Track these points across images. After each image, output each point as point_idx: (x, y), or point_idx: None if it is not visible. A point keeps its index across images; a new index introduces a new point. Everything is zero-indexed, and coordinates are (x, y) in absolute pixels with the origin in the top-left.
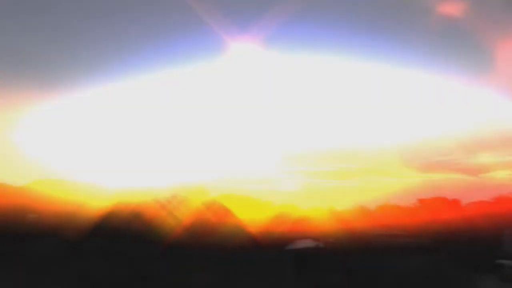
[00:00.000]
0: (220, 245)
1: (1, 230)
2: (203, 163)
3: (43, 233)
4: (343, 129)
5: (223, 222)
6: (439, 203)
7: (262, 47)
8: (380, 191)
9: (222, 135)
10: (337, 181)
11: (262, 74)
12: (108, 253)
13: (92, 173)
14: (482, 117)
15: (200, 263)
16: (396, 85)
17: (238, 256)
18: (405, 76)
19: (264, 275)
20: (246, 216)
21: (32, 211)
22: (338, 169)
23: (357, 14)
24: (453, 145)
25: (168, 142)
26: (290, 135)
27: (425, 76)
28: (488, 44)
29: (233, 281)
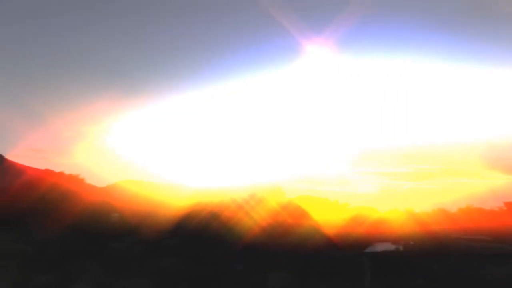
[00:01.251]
0: (296, 245)
1: (87, 228)
2: (280, 165)
3: (124, 232)
4: (422, 129)
5: (299, 223)
6: None
7: (337, 50)
8: (462, 193)
9: (300, 136)
10: (416, 183)
11: (337, 75)
12: (187, 252)
13: (172, 174)
14: None
15: (277, 263)
16: (478, 83)
17: (315, 256)
18: (486, 74)
19: (342, 277)
20: (322, 217)
21: (115, 210)
22: (417, 171)
23: (431, 12)
24: None
25: (246, 144)
26: (367, 137)
27: (508, 73)
28: None
29: (310, 281)
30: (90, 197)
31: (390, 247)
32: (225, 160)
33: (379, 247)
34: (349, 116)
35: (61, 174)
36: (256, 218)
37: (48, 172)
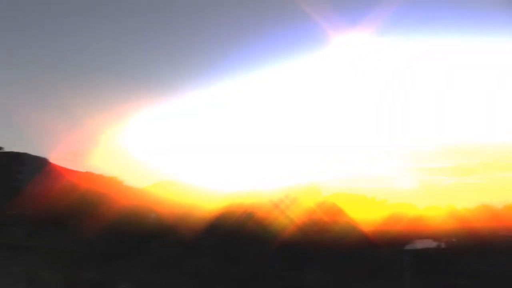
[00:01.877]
0: (333, 244)
1: (127, 228)
2: (315, 162)
3: (162, 232)
4: (465, 121)
5: (336, 221)
6: None
7: (374, 36)
8: (507, 189)
9: (334, 131)
10: (458, 178)
11: (374, 65)
12: (223, 252)
13: (204, 176)
14: None
15: (314, 262)
16: None
17: (352, 255)
18: None
19: (381, 275)
20: (359, 215)
21: (153, 211)
22: (458, 165)
23: None
24: None
25: (278, 141)
26: (405, 130)
27: None
28: None
29: (348, 280)
30: (128, 199)
31: (431, 244)
32: (257, 160)
33: (420, 244)
34: (386, 108)
35: (100, 176)
36: (292, 217)
37: (88, 174)
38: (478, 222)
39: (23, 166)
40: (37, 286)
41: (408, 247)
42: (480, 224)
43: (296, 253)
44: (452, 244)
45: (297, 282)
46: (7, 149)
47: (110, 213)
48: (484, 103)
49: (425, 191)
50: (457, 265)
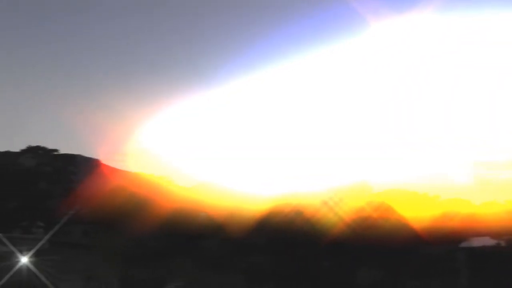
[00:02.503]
0: (384, 241)
1: (178, 227)
2: (364, 158)
3: (212, 231)
4: None
5: (387, 218)
6: None
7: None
8: None
9: (382, 126)
10: None
11: (420, 49)
12: (273, 250)
13: (249, 178)
14: None
15: (365, 259)
16: None
17: (405, 252)
18: None
19: (435, 273)
20: (411, 211)
21: (202, 210)
22: None
23: None
24: None
25: (325, 139)
26: (456, 120)
27: None
28: None
29: (402, 278)
30: (178, 198)
31: (489, 242)
32: (303, 159)
33: (476, 242)
34: (436, 99)
35: (151, 176)
36: (341, 215)
37: (139, 174)
38: None
39: (77, 168)
40: (93, 282)
41: (463, 245)
42: None
43: (346, 251)
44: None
45: (348, 280)
46: (62, 151)
47: (161, 213)
48: None
49: (480, 186)
50: None
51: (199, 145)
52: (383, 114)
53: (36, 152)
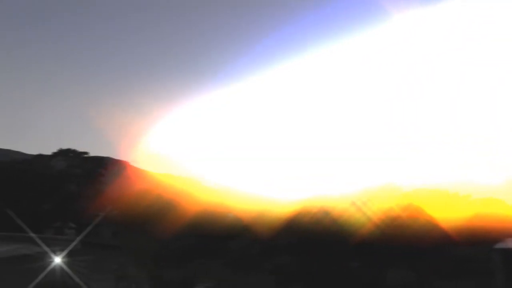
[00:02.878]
0: (413, 242)
1: (206, 228)
2: (392, 158)
3: (240, 231)
4: None
5: (416, 218)
6: None
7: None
8: None
9: (411, 123)
10: None
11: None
12: (301, 250)
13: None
14: None
15: (394, 260)
16: None
17: (435, 253)
18: None
19: (468, 275)
20: (441, 211)
21: (230, 211)
22: None
23: None
24: None
25: (346, 138)
26: (487, 118)
27: None
28: None
29: (432, 279)
30: (205, 199)
31: None
32: (331, 160)
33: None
34: (468, 92)
35: (179, 177)
36: (370, 215)
37: (168, 175)
38: None
39: (106, 169)
40: (124, 282)
41: (498, 245)
42: None
43: (375, 251)
44: None
45: (378, 280)
46: (92, 154)
47: (189, 214)
48: None
49: None
50: None
51: (221, 146)
52: (409, 112)
53: (66, 155)
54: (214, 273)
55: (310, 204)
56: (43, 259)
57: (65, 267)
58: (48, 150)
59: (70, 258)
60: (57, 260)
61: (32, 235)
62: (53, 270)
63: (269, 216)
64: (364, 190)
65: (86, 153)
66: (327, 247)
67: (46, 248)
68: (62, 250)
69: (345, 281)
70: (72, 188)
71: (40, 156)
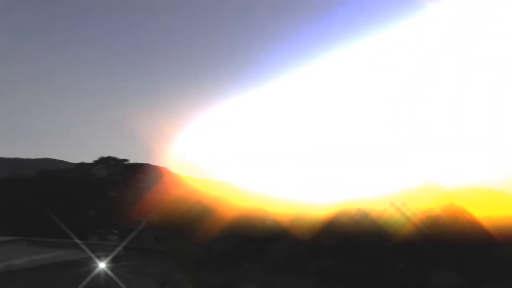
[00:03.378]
0: (458, 243)
1: (246, 232)
2: (432, 157)
3: (279, 234)
4: None
5: (460, 218)
6: None
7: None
8: None
9: (453, 119)
10: None
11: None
12: (343, 252)
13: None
14: None
15: (439, 261)
16: None
17: (480, 254)
18: None
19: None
20: (486, 211)
21: (269, 214)
22: None
23: None
24: None
25: (383, 138)
26: None
27: None
28: None
29: (481, 282)
30: (244, 203)
31: None
32: (370, 160)
33: None
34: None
35: (216, 182)
36: (410, 216)
37: (205, 180)
38: None
39: (146, 176)
40: (167, 286)
41: None
42: None
43: (417, 253)
44: None
45: (422, 282)
46: (131, 160)
47: (228, 218)
48: None
49: None
50: None
51: (256, 150)
52: (449, 109)
53: (107, 163)
54: (256, 276)
55: (349, 206)
56: (88, 264)
57: (109, 272)
58: (90, 158)
59: (114, 263)
60: (102, 265)
61: (77, 241)
62: (98, 275)
63: (307, 218)
64: (403, 190)
65: (126, 160)
66: (368, 249)
67: (91, 254)
68: (106, 255)
69: (389, 283)
70: (113, 195)
71: (82, 165)
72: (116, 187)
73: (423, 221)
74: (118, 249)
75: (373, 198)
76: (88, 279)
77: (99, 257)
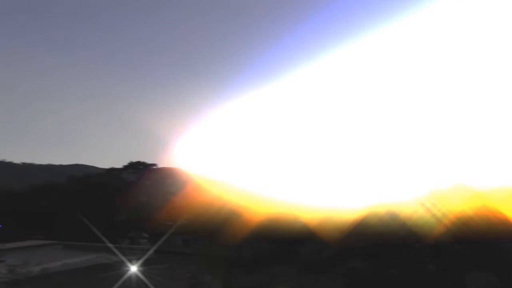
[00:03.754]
0: (488, 244)
1: (276, 234)
2: (464, 155)
3: (309, 236)
4: None
5: (493, 219)
6: None
7: None
8: None
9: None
10: None
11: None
12: (375, 254)
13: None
14: None
15: (474, 263)
16: None
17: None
18: None
19: None
20: None
21: (298, 217)
22: None
23: None
24: None
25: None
26: None
27: None
28: None
29: (511, 281)
30: (272, 205)
31: None
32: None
33: None
34: None
35: (243, 185)
36: (441, 216)
37: (232, 183)
38: None
39: (174, 180)
40: None
41: None
42: None
43: (450, 254)
44: None
45: (457, 284)
46: (160, 165)
47: (257, 220)
48: None
49: None
50: None
51: (281, 153)
52: (481, 108)
53: (136, 167)
54: (287, 278)
55: (378, 208)
56: (120, 267)
57: (140, 275)
58: (119, 164)
59: (145, 266)
60: (133, 268)
61: (109, 245)
62: (130, 278)
63: (337, 220)
64: (434, 191)
65: (154, 164)
66: (398, 251)
67: (122, 257)
68: (137, 259)
69: (420, 284)
70: (143, 199)
71: (112, 170)
72: (145, 191)
73: (454, 222)
74: (149, 252)
75: (403, 199)
76: (120, 282)
77: (130, 261)
